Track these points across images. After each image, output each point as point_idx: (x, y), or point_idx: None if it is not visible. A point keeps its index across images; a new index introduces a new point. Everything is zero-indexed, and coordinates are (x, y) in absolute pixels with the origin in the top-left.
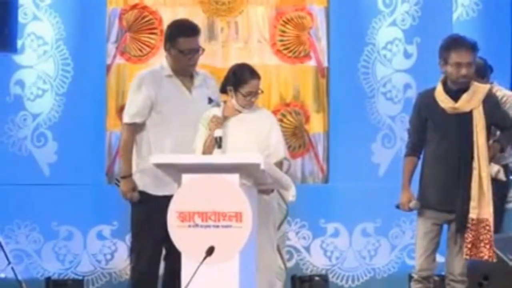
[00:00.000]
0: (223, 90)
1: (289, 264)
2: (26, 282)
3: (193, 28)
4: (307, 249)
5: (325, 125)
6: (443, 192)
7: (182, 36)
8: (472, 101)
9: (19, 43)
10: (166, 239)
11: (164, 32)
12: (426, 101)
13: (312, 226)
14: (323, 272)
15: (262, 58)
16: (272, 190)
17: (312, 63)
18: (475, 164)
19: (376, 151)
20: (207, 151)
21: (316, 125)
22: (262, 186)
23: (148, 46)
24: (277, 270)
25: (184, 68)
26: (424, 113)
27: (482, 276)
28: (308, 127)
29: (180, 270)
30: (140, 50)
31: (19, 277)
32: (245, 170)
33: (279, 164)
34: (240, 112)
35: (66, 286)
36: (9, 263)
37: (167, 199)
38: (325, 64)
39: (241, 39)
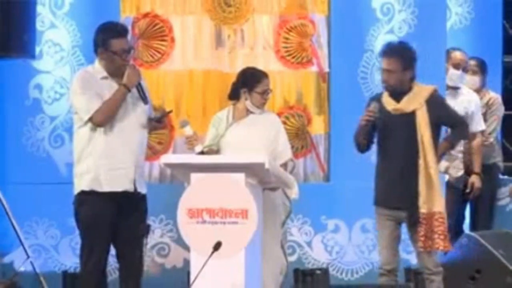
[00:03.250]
0: (234, 95)
1: (292, 258)
2: (44, 275)
3: (122, 30)
4: (309, 244)
5: (326, 127)
6: (388, 189)
7: (113, 38)
8: (413, 101)
9: (38, 49)
10: (114, 238)
11: (95, 37)
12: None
13: (314, 223)
14: (324, 266)
15: (266, 64)
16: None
17: (314, 68)
18: (421, 161)
19: (375, 151)
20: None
21: (317, 127)
22: (266, 184)
23: (159, 52)
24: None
25: (118, 68)
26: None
27: (474, 270)
28: (310, 128)
29: (135, 265)
30: (152, 56)
31: (38, 271)
32: (251, 170)
33: (284, 165)
34: (252, 113)
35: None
36: (28, 257)
37: (114, 195)
38: (326, 69)
39: (247, 45)
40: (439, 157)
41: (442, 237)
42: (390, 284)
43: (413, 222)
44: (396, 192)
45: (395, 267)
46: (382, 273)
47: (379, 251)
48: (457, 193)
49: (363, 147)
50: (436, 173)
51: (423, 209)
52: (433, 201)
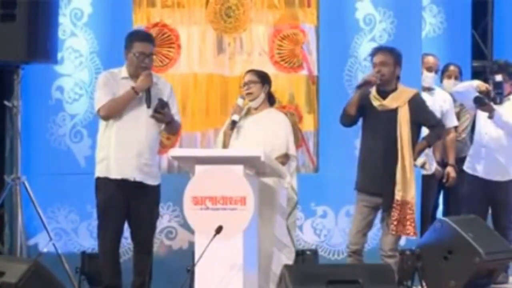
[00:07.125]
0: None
1: None
2: (64, 256)
3: (146, 35)
4: (300, 228)
5: (315, 124)
6: (370, 177)
7: (136, 41)
8: (397, 100)
9: (59, 55)
10: (129, 221)
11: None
12: (363, 100)
13: (304, 209)
14: (313, 247)
15: (262, 68)
16: None
17: (304, 72)
18: (399, 154)
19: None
20: (226, 136)
21: (307, 124)
22: (262, 174)
23: (167, 58)
24: (286, 250)
25: (136, 70)
26: (360, 109)
27: (447, 251)
28: (301, 126)
29: (146, 246)
30: (161, 61)
31: (59, 252)
32: (248, 162)
33: (284, 157)
34: (262, 110)
35: (98, 259)
36: (51, 239)
37: (122, 182)
38: (315, 73)
39: (245, 52)
40: (417, 153)
41: (413, 224)
42: (363, 262)
43: (387, 207)
44: (376, 180)
45: (360, 248)
46: (349, 253)
47: (349, 232)
48: (432, 184)
49: (347, 120)
50: (411, 166)
51: (397, 197)
52: (406, 191)
